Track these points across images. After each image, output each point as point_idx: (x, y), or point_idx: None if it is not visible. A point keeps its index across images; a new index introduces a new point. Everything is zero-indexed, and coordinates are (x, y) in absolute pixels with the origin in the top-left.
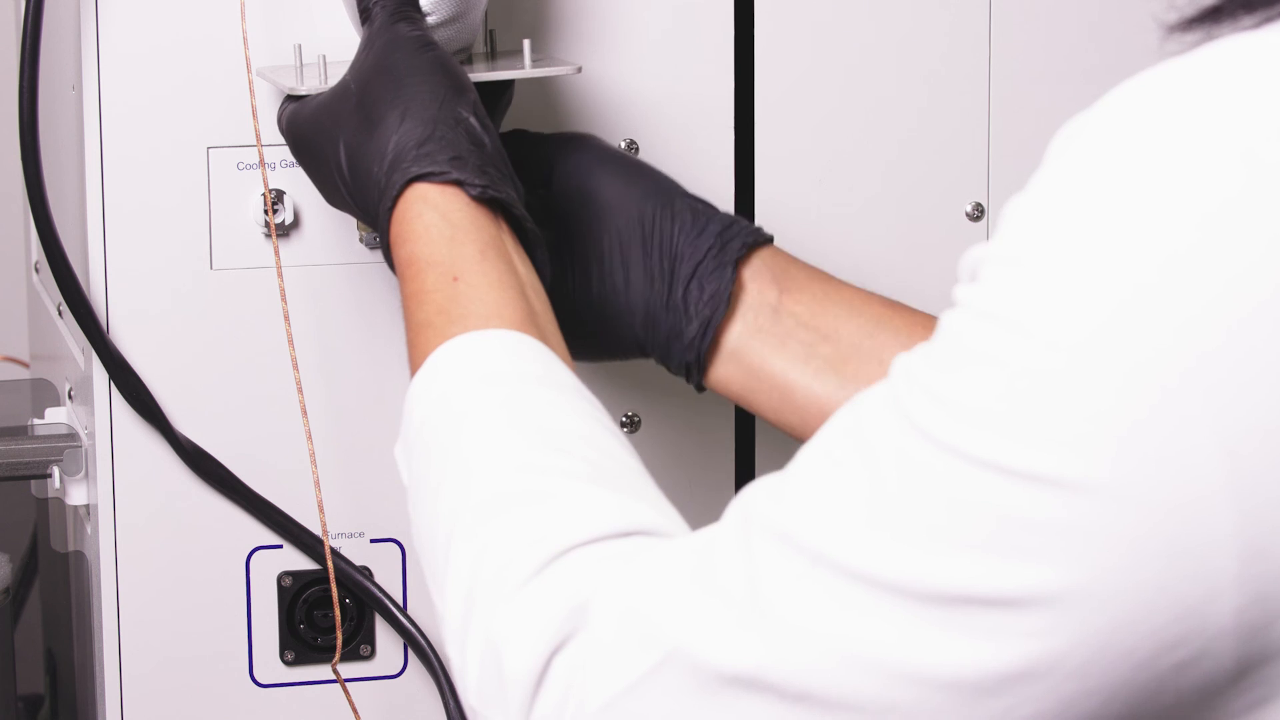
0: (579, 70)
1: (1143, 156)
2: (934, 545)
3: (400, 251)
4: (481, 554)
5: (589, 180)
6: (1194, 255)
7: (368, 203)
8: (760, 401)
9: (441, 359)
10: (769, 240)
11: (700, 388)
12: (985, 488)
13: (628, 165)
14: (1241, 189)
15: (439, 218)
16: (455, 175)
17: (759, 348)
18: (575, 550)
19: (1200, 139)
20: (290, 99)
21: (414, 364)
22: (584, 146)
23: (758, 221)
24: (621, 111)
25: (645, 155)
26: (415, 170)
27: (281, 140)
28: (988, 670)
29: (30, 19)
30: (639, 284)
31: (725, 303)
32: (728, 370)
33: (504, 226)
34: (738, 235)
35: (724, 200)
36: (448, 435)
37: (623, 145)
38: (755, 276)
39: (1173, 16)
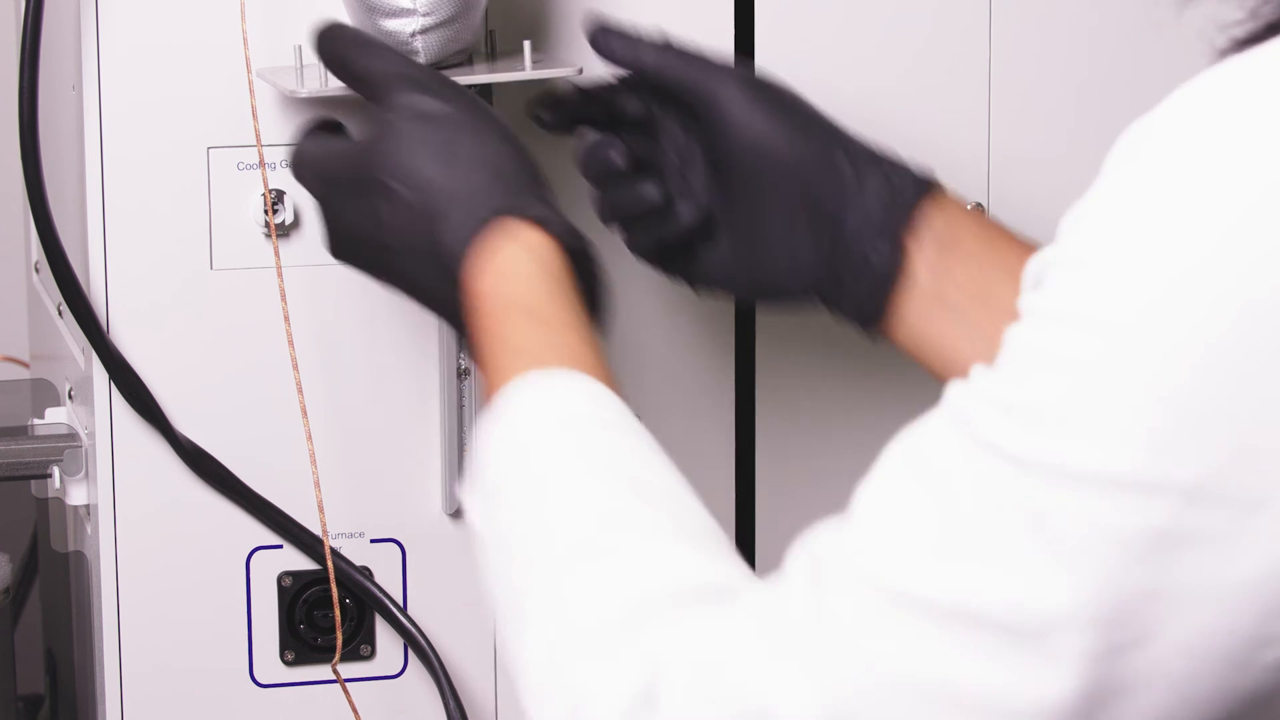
0: (579, 71)
1: (1211, 159)
2: (1020, 567)
3: (479, 284)
4: (565, 606)
5: (745, 132)
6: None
7: (435, 244)
8: (930, 365)
9: (519, 402)
10: (934, 188)
11: (876, 336)
12: (1069, 499)
13: (784, 108)
14: None
15: (525, 254)
16: (537, 213)
17: (925, 321)
18: (656, 607)
19: (1266, 145)
20: (309, 133)
21: (490, 403)
22: (733, 84)
23: None
24: None
25: None
26: (504, 205)
27: (281, 140)
28: (1094, 692)
29: (30, 19)
30: (803, 248)
31: (888, 280)
32: (893, 333)
33: (568, 267)
34: (900, 196)
35: None
36: (526, 481)
37: None
38: (921, 246)
39: (1223, 40)
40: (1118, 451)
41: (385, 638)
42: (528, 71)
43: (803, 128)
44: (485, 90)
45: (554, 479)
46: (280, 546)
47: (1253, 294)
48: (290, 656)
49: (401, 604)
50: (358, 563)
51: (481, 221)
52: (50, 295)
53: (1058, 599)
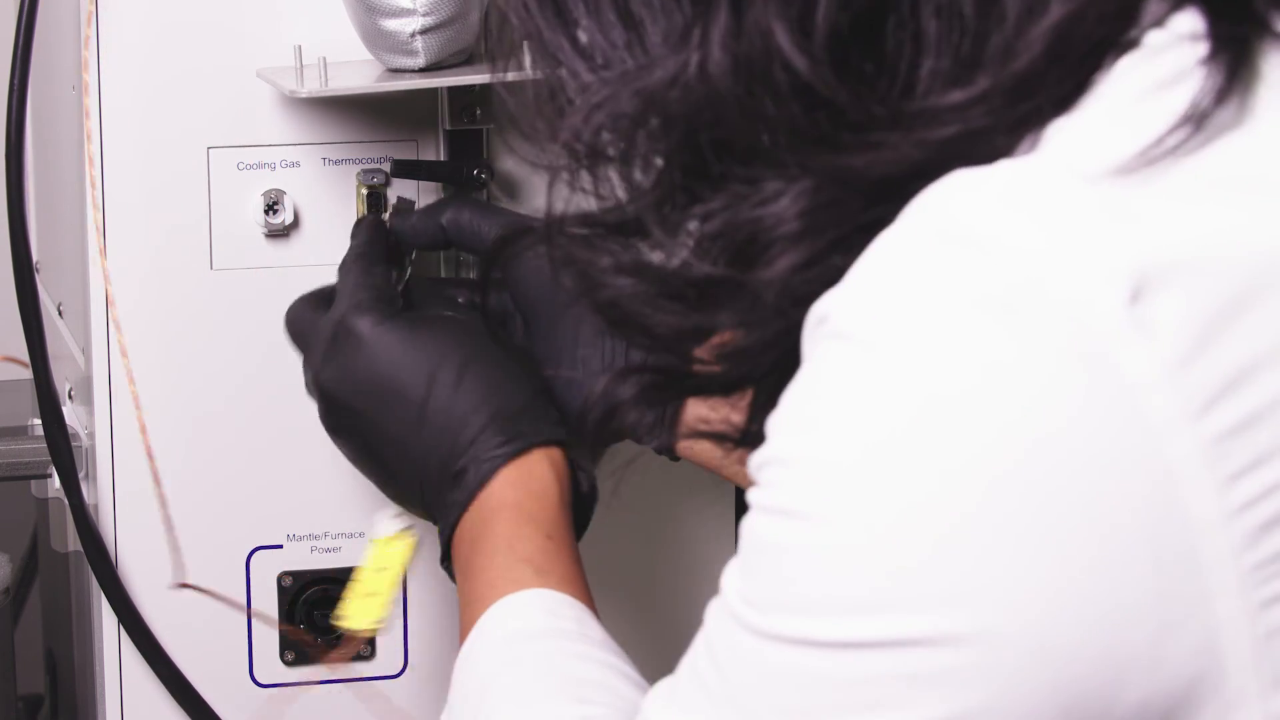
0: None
1: (888, 346)
2: (778, 718)
3: (506, 494)
4: None
5: (540, 274)
6: (934, 438)
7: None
8: (729, 471)
9: (485, 624)
10: None
11: (674, 459)
12: (804, 661)
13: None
14: (976, 363)
15: (552, 474)
16: (561, 436)
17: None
18: None
19: (940, 321)
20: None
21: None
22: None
23: None
24: None
25: None
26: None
27: (281, 140)
28: None
29: (24, 20)
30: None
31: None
32: (692, 445)
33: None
34: None
35: None
36: (477, 693)
37: None
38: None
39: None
40: (835, 619)
41: (385, 638)
42: (528, 71)
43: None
44: (485, 90)
45: (500, 687)
46: (280, 546)
47: (925, 483)
48: (290, 656)
49: (402, 604)
50: (358, 563)
51: (524, 441)
52: (51, 295)
53: None
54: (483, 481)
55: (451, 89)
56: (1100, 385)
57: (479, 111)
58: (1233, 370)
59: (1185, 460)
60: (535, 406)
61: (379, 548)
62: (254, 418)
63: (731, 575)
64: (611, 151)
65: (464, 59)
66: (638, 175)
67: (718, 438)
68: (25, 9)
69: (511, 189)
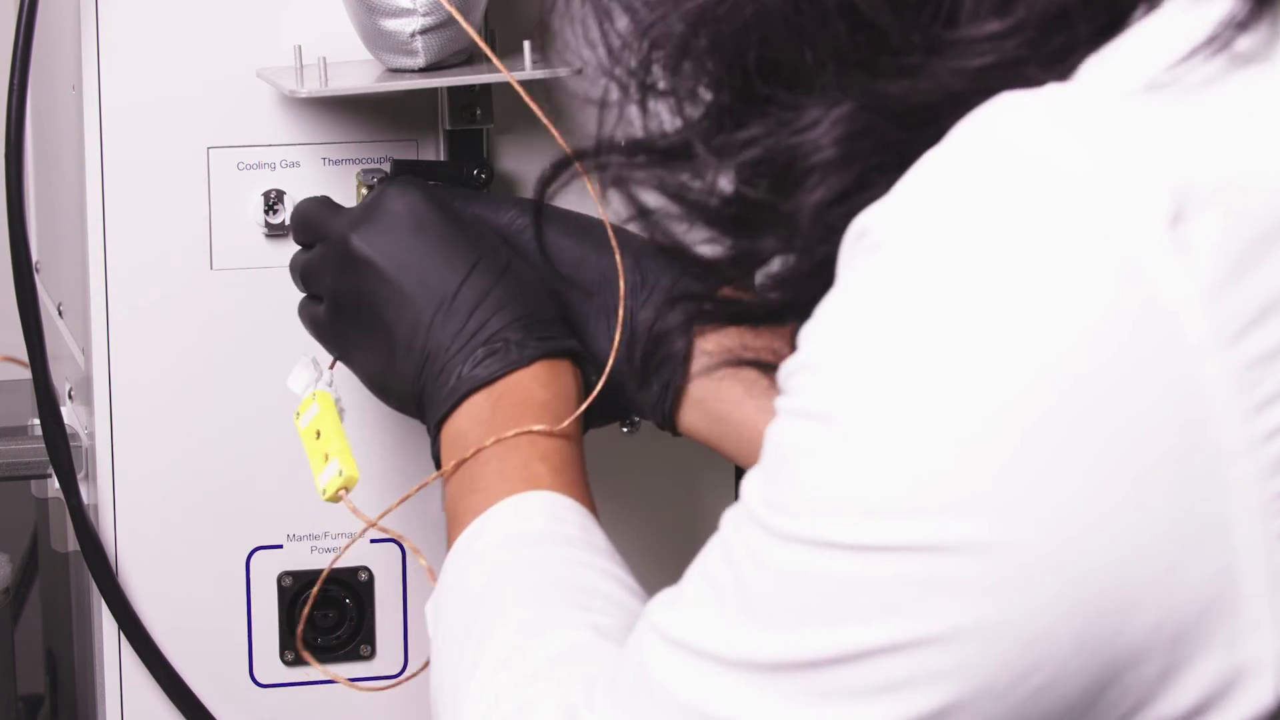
0: (579, 71)
1: (931, 255)
2: (793, 621)
3: (536, 392)
4: (495, 704)
5: (557, 257)
6: (986, 353)
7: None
8: (728, 448)
9: (487, 520)
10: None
11: (676, 434)
12: (821, 563)
13: (575, 228)
14: (1034, 270)
15: (573, 381)
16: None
17: (725, 396)
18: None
19: (988, 236)
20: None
21: (461, 523)
22: (529, 213)
23: None
24: None
25: None
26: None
27: (281, 140)
28: None
29: (23, 21)
30: (606, 352)
31: (682, 363)
32: (693, 419)
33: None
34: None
35: None
36: (477, 589)
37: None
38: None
39: None
40: (855, 521)
41: (385, 638)
42: (528, 71)
43: (598, 238)
44: (485, 90)
45: (499, 587)
46: (280, 546)
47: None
48: (290, 656)
49: (403, 603)
50: (358, 563)
51: (559, 344)
52: (51, 295)
53: (824, 644)
54: (513, 366)
55: (451, 89)
56: (1142, 304)
57: (479, 111)
58: (1266, 299)
59: (1217, 385)
60: (563, 324)
61: (302, 417)
62: (254, 417)
63: (753, 481)
64: (661, 84)
65: (464, 59)
66: (686, 105)
67: (762, 366)
68: (25, 9)
69: (511, 189)
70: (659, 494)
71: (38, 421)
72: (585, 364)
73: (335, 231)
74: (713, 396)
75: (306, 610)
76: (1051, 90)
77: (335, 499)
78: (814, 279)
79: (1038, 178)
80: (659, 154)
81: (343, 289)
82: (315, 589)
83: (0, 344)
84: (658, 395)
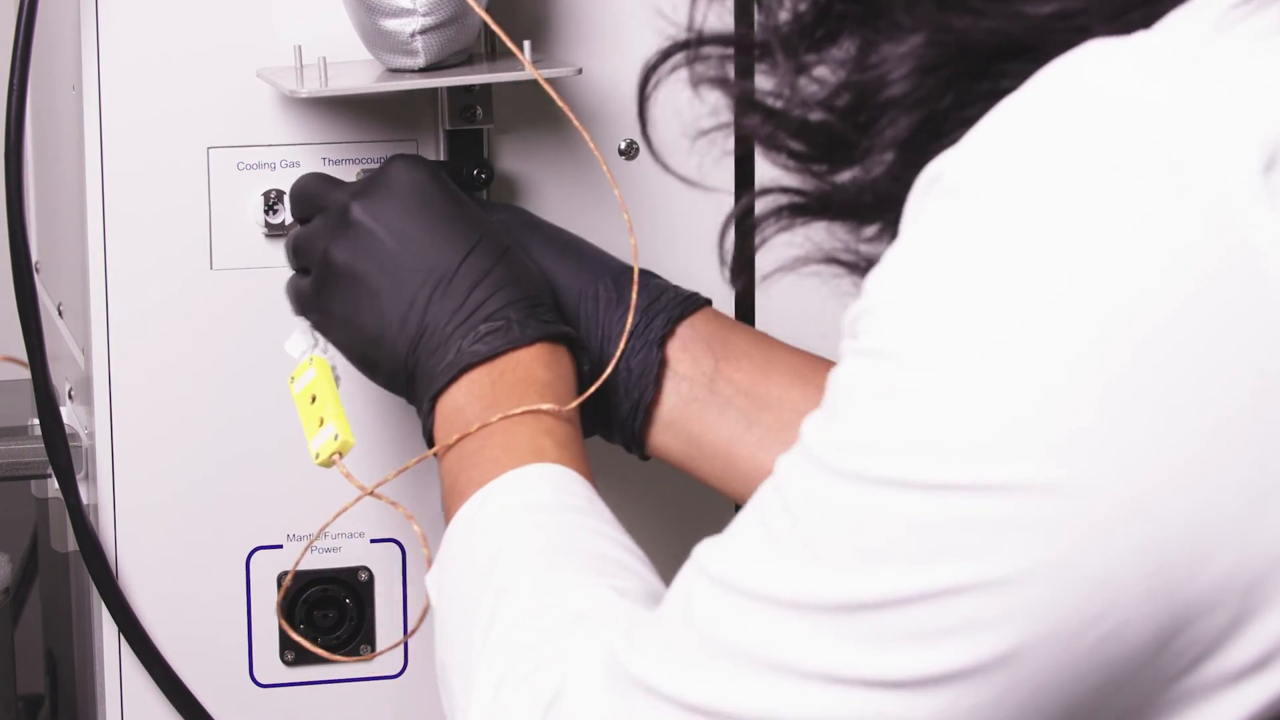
0: (579, 71)
1: (1013, 199)
2: (856, 562)
3: (539, 373)
4: (515, 657)
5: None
6: (1055, 308)
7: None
8: (702, 470)
9: (493, 489)
10: (702, 305)
11: (644, 457)
12: (888, 503)
13: (555, 244)
14: (1109, 215)
15: (570, 365)
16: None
17: (696, 418)
18: (564, 629)
19: (1060, 190)
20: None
21: (463, 493)
22: (513, 224)
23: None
24: (621, 111)
25: (645, 157)
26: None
27: (281, 140)
28: (913, 671)
29: (24, 19)
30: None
31: (654, 382)
32: (665, 440)
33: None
34: (662, 310)
35: (724, 200)
36: (488, 555)
37: (622, 146)
38: (686, 348)
39: None
40: (925, 460)
41: (385, 638)
42: (527, 71)
43: (575, 255)
44: (485, 90)
45: (511, 554)
46: (280, 546)
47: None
48: (290, 656)
49: (402, 604)
50: (358, 563)
51: (558, 328)
52: (51, 295)
53: (883, 585)
54: (515, 344)
55: (451, 89)
56: (1232, 248)
57: (479, 111)
58: None
59: None
60: (558, 311)
61: (297, 382)
62: (254, 418)
63: (814, 423)
64: None
65: (464, 59)
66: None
67: (844, 265)
68: (25, 9)
69: (511, 189)
70: (660, 493)
71: (38, 422)
72: (581, 354)
73: (336, 201)
74: (686, 417)
75: (289, 577)
76: (1139, 38)
77: (329, 464)
78: (901, 180)
79: (1124, 121)
80: (748, 52)
81: (336, 257)
82: (294, 566)
83: (0, 344)
84: (627, 413)
